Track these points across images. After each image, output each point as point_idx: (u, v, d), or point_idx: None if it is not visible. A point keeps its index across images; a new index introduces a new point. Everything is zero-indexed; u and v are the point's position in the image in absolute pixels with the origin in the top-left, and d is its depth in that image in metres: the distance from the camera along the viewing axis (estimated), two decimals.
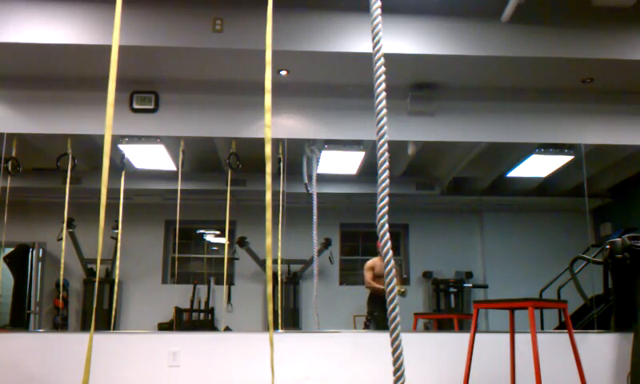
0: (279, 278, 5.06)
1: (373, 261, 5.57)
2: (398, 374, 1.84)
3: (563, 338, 3.91)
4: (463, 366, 3.65)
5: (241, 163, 5.23)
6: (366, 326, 5.45)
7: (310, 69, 4.63)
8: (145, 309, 5.71)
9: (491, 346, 4.20)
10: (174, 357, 4.28)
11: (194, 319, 5.86)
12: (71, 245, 5.50)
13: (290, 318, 5.78)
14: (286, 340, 4.36)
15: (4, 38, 4.19)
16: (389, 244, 1.91)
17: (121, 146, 5.15)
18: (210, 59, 4.46)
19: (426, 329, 5.71)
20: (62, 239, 5.22)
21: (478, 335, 3.64)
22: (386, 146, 1.97)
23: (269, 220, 2.14)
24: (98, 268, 2.74)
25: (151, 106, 4.81)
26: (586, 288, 4.81)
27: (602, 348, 4.44)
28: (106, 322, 5.13)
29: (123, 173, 5.08)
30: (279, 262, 5.03)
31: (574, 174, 5.30)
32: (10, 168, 4.93)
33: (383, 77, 1.98)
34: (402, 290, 5.35)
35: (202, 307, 5.85)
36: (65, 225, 5.21)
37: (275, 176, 4.99)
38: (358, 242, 6.41)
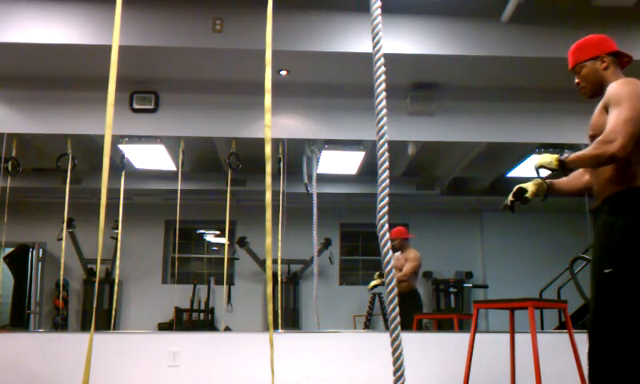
0: (279, 278, 5.06)
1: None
2: (398, 374, 1.84)
3: (563, 337, 3.90)
4: (463, 366, 3.65)
5: (241, 163, 5.23)
6: (366, 326, 5.45)
7: (310, 69, 4.63)
8: (145, 309, 5.72)
9: (491, 346, 4.20)
10: (174, 357, 4.28)
11: (194, 319, 5.87)
12: (71, 245, 5.50)
13: (290, 318, 5.78)
14: (286, 340, 4.36)
15: (4, 38, 4.19)
16: (389, 244, 1.91)
17: (121, 146, 5.15)
18: (210, 59, 4.46)
19: (426, 329, 5.71)
20: (62, 239, 5.22)
21: (477, 335, 3.63)
22: (386, 146, 1.97)
23: (269, 220, 2.14)
24: (98, 268, 2.73)
25: (151, 106, 4.81)
26: (586, 288, 4.80)
27: None
28: (106, 321, 5.14)
29: (123, 173, 5.08)
30: (279, 261, 5.03)
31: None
32: (10, 168, 4.93)
33: (383, 77, 1.98)
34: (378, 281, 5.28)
35: (202, 307, 5.85)
36: (65, 225, 5.21)
37: (275, 176, 4.99)
38: (358, 242, 6.42)
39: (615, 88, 2.34)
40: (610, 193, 2.35)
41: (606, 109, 2.34)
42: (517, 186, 2.60)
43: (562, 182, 2.68)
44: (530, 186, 2.57)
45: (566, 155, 2.33)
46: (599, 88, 2.48)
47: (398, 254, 5.37)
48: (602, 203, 2.39)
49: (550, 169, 2.39)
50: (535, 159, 2.43)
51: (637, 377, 2.11)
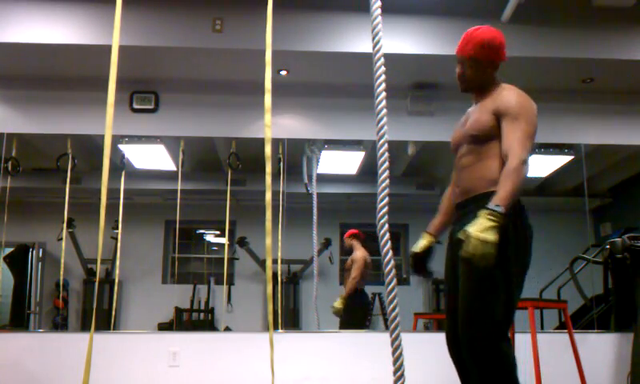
0: (279, 278, 5.06)
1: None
2: (398, 374, 1.84)
3: (563, 338, 3.90)
4: None
5: (241, 163, 5.23)
6: (366, 326, 5.45)
7: (310, 69, 4.63)
8: (145, 309, 5.71)
9: None
10: (174, 357, 4.28)
11: (194, 319, 5.86)
12: (71, 245, 5.50)
13: (290, 318, 5.78)
14: (286, 340, 4.36)
15: (4, 38, 4.19)
16: (389, 244, 1.91)
17: (121, 146, 5.15)
18: (210, 59, 4.46)
19: (426, 329, 5.71)
20: (62, 239, 5.22)
21: None
22: (386, 146, 1.97)
23: (269, 220, 2.14)
24: (98, 268, 2.73)
25: (151, 106, 4.81)
26: (586, 288, 4.81)
27: (602, 348, 4.44)
28: (106, 322, 5.13)
29: (123, 173, 5.08)
30: (279, 261, 5.03)
31: (574, 174, 5.30)
32: (10, 168, 4.93)
33: (383, 77, 1.99)
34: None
35: (202, 307, 5.85)
36: (65, 225, 5.21)
37: (275, 176, 4.99)
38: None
39: (513, 98, 2.33)
40: (482, 191, 2.30)
41: (496, 114, 2.31)
42: (411, 257, 2.58)
43: (440, 218, 2.61)
44: (418, 244, 2.54)
45: (500, 208, 2.10)
46: (479, 87, 2.45)
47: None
48: (470, 200, 2.33)
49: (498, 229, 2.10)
50: (476, 246, 2.06)
51: (510, 362, 2.20)
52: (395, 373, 1.84)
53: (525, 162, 2.20)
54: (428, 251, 2.56)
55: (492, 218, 2.07)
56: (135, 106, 4.80)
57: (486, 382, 2.17)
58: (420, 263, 2.57)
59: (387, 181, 1.95)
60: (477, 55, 2.40)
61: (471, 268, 2.19)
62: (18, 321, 5.58)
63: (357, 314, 5.38)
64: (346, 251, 5.68)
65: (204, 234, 6.46)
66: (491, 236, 2.04)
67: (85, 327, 5.66)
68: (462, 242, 2.19)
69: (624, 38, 4.43)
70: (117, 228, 5.15)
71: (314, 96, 4.93)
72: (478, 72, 2.42)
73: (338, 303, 5.31)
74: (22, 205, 5.40)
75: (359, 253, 5.50)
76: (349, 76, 4.67)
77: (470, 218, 2.20)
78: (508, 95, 2.36)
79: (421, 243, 2.56)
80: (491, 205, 2.11)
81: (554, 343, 4.23)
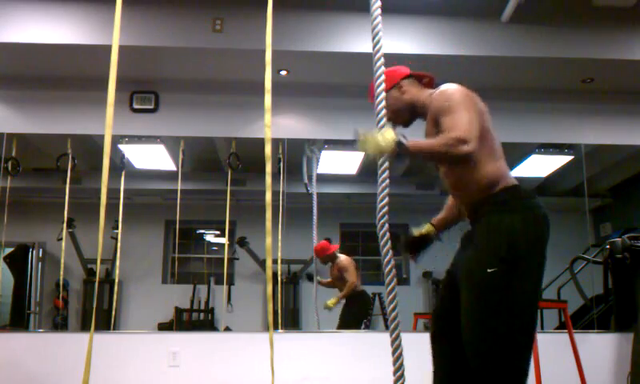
0: (279, 278, 5.06)
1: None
2: (398, 374, 1.84)
3: (563, 338, 3.91)
4: None
5: (241, 163, 5.22)
6: (366, 326, 5.45)
7: (310, 69, 4.63)
8: (145, 309, 5.71)
9: None
10: (174, 357, 4.28)
11: (194, 319, 5.86)
12: (71, 245, 5.49)
13: (290, 318, 5.78)
14: (285, 340, 4.36)
15: (4, 38, 4.19)
16: (389, 244, 1.91)
17: (121, 146, 5.15)
18: (210, 59, 4.46)
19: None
20: (62, 239, 5.21)
21: None
22: None
23: (269, 220, 2.15)
24: (98, 268, 2.73)
25: (151, 106, 4.81)
26: (586, 288, 4.80)
27: (602, 348, 4.44)
28: (106, 322, 5.13)
29: (123, 173, 5.07)
30: (279, 261, 5.03)
31: (574, 174, 5.29)
32: (10, 168, 4.93)
33: (383, 77, 1.99)
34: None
35: (202, 307, 5.85)
36: (65, 225, 5.20)
37: (275, 176, 4.99)
38: (358, 242, 6.41)
39: (441, 96, 2.20)
40: (482, 196, 2.17)
41: (435, 121, 2.18)
42: (404, 241, 2.51)
43: (443, 214, 2.53)
44: (420, 228, 2.47)
45: (403, 138, 1.99)
46: (411, 112, 2.36)
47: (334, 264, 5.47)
48: (478, 204, 2.21)
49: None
50: (364, 141, 2.05)
51: (523, 368, 2.01)
52: (395, 373, 1.84)
53: (462, 141, 2.01)
54: (425, 239, 2.49)
55: (386, 137, 2.03)
56: (135, 106, 4.80)
57: None
58: (413, 247, 2.51)
59: (387, 181, 1.95)
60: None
61: (473, 281, 2.06)
62: (18, 321, 5.58)
63: (356, 314, 5.37)
64: (349, 251, 5.68)
65: (204, 233, 6.46)
66: (388, 135, 2.02)
67: (85, 327, 5.66)
68: (463, 257, 2.17)
69: (624, 38, 4.43)
70: (117, 228, 5.15)
71: (314, 96, 4.93)
72: (393, 104, 2.33)
73: (331, 301, 5.32)
74: (21, 205, 5.40)
75: (344, 260, 5.45)
76: (349, 76, 4.66)
77: (484, 223, 2.11)
78: (436, 98, 2.22)
79: (422, 229, 2.48)
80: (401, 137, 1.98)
81: (554, 343, 4.23)
